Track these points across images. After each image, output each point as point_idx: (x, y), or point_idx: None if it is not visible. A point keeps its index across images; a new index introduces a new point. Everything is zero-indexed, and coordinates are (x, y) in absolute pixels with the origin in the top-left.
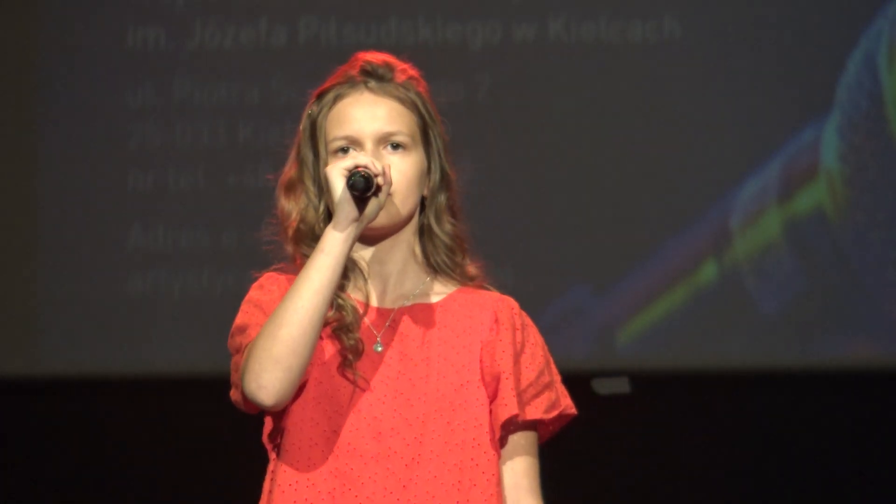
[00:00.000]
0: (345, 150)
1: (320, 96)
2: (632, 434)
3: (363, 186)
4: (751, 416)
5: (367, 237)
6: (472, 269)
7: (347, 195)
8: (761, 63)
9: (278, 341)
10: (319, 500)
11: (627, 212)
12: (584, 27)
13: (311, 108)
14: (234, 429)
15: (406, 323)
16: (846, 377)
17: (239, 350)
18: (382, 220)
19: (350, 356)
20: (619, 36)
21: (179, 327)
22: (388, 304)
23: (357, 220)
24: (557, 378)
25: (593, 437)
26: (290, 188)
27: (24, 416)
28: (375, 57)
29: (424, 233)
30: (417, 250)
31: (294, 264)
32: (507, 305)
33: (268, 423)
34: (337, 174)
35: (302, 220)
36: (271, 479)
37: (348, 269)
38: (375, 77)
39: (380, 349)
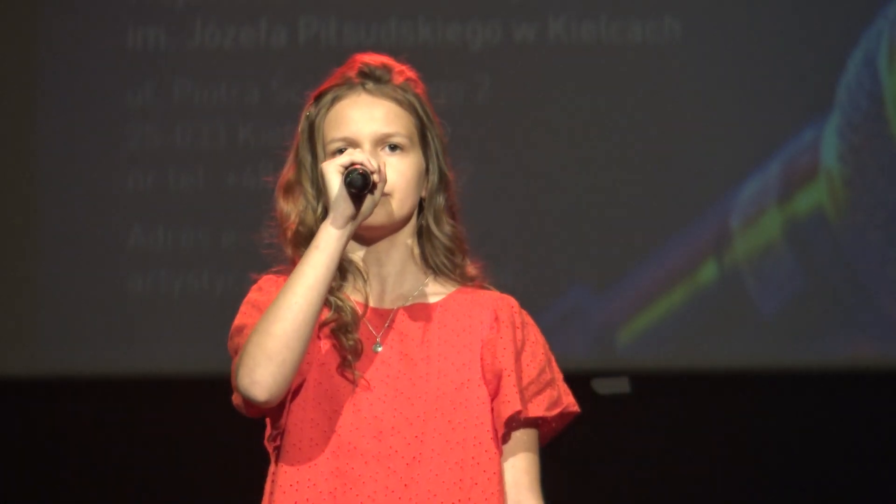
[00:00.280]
0: (342, 152)
1: (318, 98)
2: (632, 434)
3: (360, 183)
4: (751, 416)
5: (366, 238)
6: (471, 269)
7: (343, 192)
8: (761, 63)
9: (271, 336)
10: (321, 500)
11: (627, 212)
12: (584, 27)
13: (308, 110)
14: (235, 429)
15: (405, 323)
16: (846, 377)
17: (238, 352)
18: (380, 220)
19: (349, 357)
20: (620, 36)
21: (179, 327)
22: (387, 305)
23: (353, 216)
24: (559, 376)
25: (593, 437)
26: (289, 190)
27: (24, 416)
28: (373, 59)
29: (423, 234)
30: (416, 251)
31: (293, 266)
32: (507, 304)
33: (268, 425)
34: (333, 171)
35: (301, 221)
36: (272, 481)
37: (347, 270)
38: (373, 79)
39: (379, 349)
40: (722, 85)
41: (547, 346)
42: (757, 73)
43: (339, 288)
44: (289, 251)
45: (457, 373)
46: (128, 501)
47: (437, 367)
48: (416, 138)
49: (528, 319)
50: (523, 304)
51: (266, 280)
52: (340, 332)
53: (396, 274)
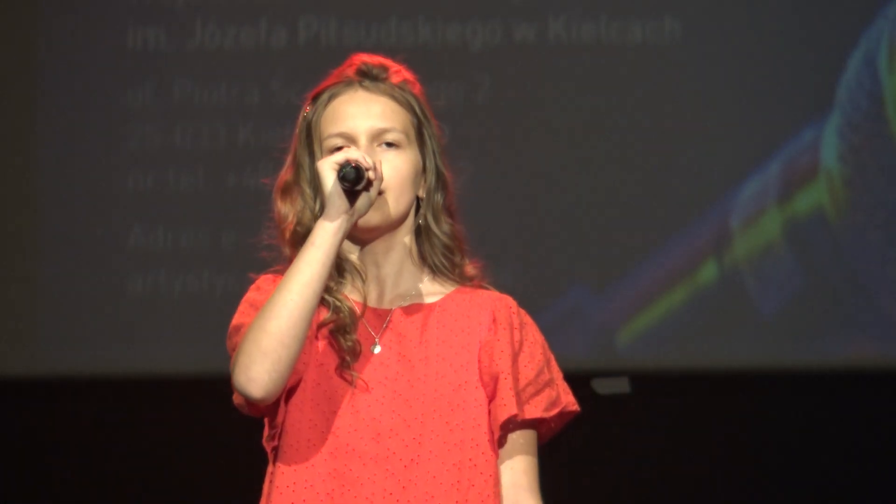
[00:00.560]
0: (340, 149)
1: (315, 98)
2: (632, 434)
3: (354, 177)
4: (751, 416)
5: (363, 238)
6: (470, 269)
7: (338, 188)
8: (761, 63)
9: (267, 333)
10: (318, 502)
11: (627, 212)
12: (585, 27)
13: (305, 111)
14: (235, 429)
15: (404, 323)
16: (846, 377)
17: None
18: (376, 218)
19: (348, 357)
20: (620, 36)
21: (179, 327)
22: (385, 305)
23: (347, 212)
24: (559, 375)
25: (593, 437)
26: (287, 191)
27: (24, 416)
28: (371, 58)
29: (422, 233)
30: (414, 251)
31: None
32: (505, 304)
33: (267, 425)
34: (328, 167)
35: (298, 222)
36: (270, 481)
37: (345, 271)
38: (370, 77)
39: (378, 350)
40: (722, 85)
41: (546, 346)
42: (757, 73)
43: (338, 288)
44: (287, 251)
45: (455, 374)
46: (128, 501)
47: (435, 369)
48: (412, 136)
49: (527, 319)
50: (523, 304)
51: (264, 279)
52: (339, 333)
53: (395, 274)
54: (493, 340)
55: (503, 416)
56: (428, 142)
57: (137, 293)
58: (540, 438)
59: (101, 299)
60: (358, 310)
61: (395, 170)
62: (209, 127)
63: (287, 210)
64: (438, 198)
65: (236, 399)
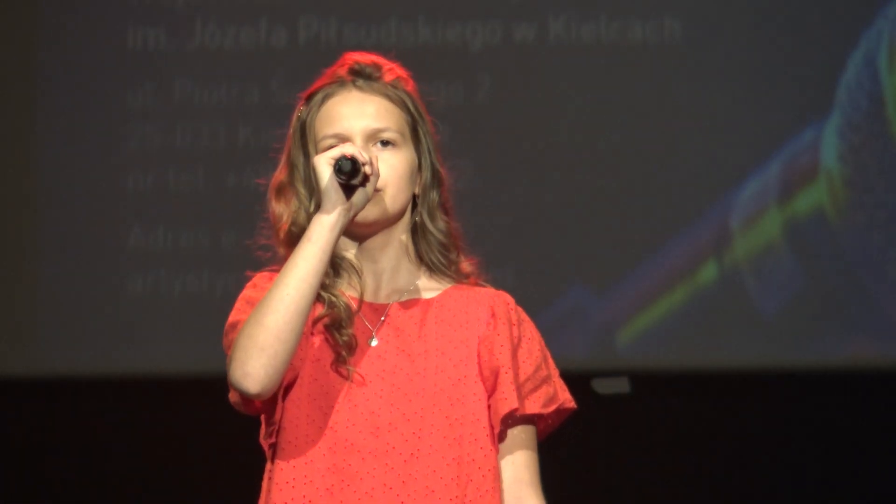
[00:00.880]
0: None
1: (309, 98)
2: (632, 434)
3: (350, 169)
4: (751, 416)
5: (359, 235)
6: (466, 266)
7: (334, 182)
8: (761, 63)
9: (263, 328)
10: (318, 497)
11: (628, 212)
12: (584, 27)
13: (299, 111)
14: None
15: (401, 318)
16: (846, 377)
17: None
18: (374, 215)
19: (343, 352)
20: (620, 36)
21: (179, 327)
22: (381, 300)
23: (344, 207)
24: (555, 372)
25: (593, 437)
26: (281, 191)
27: (24, 416)
28: (363, 57)
29: (418, 231)
30: (410, 248)
31: None
32: (503, 301)
33: (264, 422)
34: (324, 163)
35: (293, 222)
36: (269, 478)
37: (341, 267)
38: (363, 76)
39: (374, 343)
40: (722, 85)
41: (543, 343)
42: (757, 72)
43: (333, 284)
44: (282, 251)
45: (454, 369)
46: (128, 501)
47: (435, 363)
48: (407, 134)
49: (524, 316)
50: (523, 304)
51: (260, 277)
52: (334, 328)
53: (391, 269)
54: (493, 335)
55: (504, 409)
56: (423, 139)
57: (137, 293)
58: (537, 435)
59: (101, 299)
60: (354, 305)
61: (391, 168)
62: (209, 127)
63: (282, 210)
64: (434, 195)
65: (232, 397)
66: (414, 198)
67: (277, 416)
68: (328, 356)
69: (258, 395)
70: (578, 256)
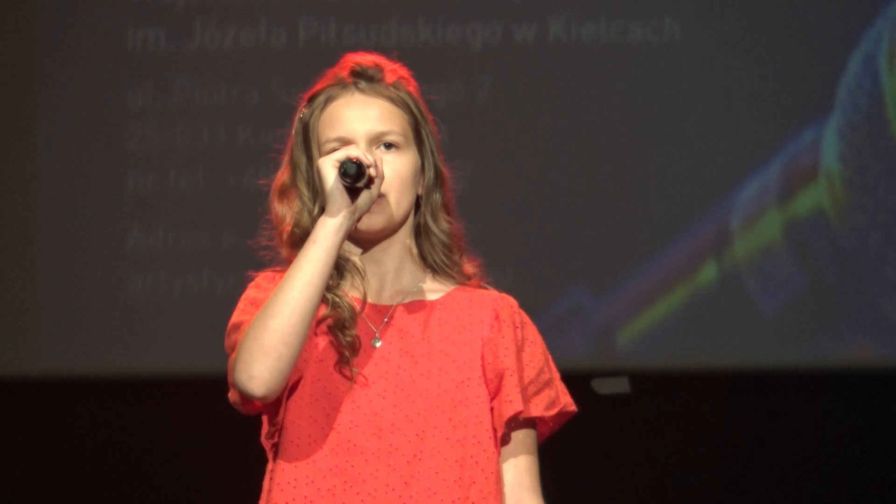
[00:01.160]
0: None
1: (311, 99)
2: (632, 434)
3: (355, 172)
4: (751, 416)
5: (364, 240)
6: (469, 267)
7: (339, 185)
8: (761, 64)
9: (268, 331)
10: (320, 498)
11: (628, 212)
12: (585, 28)
13: (302, 112)
14: (234, 429)
15: (405, 319)
16: (846, 377)
17: (234, 348)
18: (379, 221)
19: (346, 353)
20: (620, 37)
21: (179, 327)
22: (385, 301)
23: (349, 209)
24: (557, 375)
25: (593, 437)
26: (284, 193)
27: (24, 416)
28: (365, 58)
29: (421, 232)
30: (414, 250)
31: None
32: (507, 303)
33: (265, 422)
34: (329, 165)
35: (296, 224)
36: (270, 478)
37: (344, 269)
38: (365, 78)
39: (378, 344)
40: (721, 85)
41: (545, 346)
42: (757, 73)
43: (337, 285)
44: (285, 253)
45: (458, 371)
46: (128, 501)
47: (438, 365)
48: (410, 136)
49: (527, 319)
50: (523, 304)
51: (264, 277)
52: (337, 329)
53: (395, 271)
54: (497, 338)
55: (508, 412)
56: (426, 140)
57: (137, 293)
58: (538, 438)
59: (100, 299)
60: (357, 306)
61: (395, 172)
62: (209, 127)
63: (284, 211)
64: (437, 196)
65: (232, 396)
66: (417, 199)
67: (280, 416)
68: (331, 357)
69: (263, 398)
70: (578, 256)
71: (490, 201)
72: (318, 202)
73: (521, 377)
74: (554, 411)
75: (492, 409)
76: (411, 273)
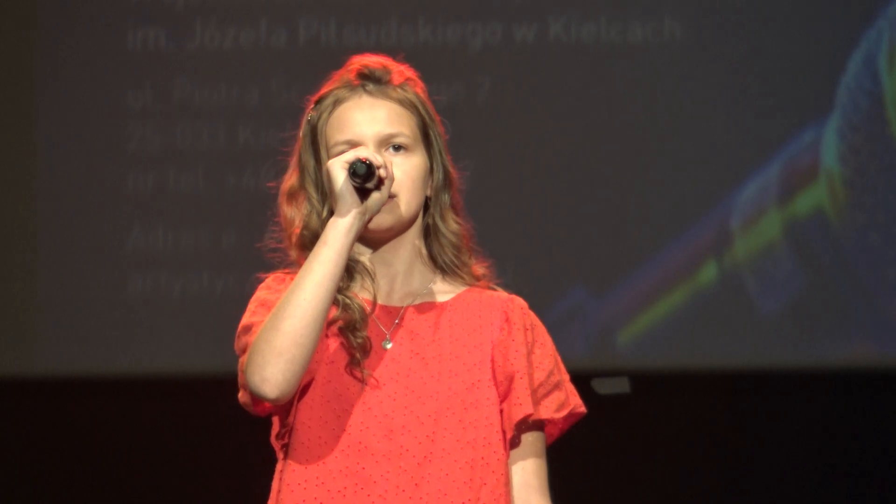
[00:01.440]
0: None
1: (319, 102)
2: (632, 434)
3: (364, 172)
4: (751, 416)
5: (373, 240)
6: (478, 268)
7: (349, 186)
8: (761, 64)
9: (281, 333)
10: (330, 499)
11: (628, 212)
12: (585, 28)
13: (310, 114)
14: (235, 429)
15: (415, 320)
16: (846, 377)
17: (245, 350)
18: (388, 222)
19: (357, 354)
20: (620, 37)
21: (179, 327)
22: (395, 302)
23: (359, 210)
24: (566, 377)
25: (593, 437)
26: (292, 195)
27: (24, 416)
28: (372, 60)
29: (430, 233)
30: (423, 251)
31: (300, 268)
32: (518, 305)
33: (275, 423)
34: (338, 167)
35: (305, 226)
36: (279, 479)
37: (354, 270)
38: (373, 80)
39: (389, 346)
40: (721, 86)
41: (554, 348)
42: (757, 73)
43: (347, 287)
44: (294, 255)
45: (468, 373)
46: (128, 501)
47: (449, 367)
48: (419, 137)
49: (537, 321)
50: None
51: (274, 278)
52: (348, 330)
53: (404, 272)
54: (508, 340)
55: (519, 415)
56: (434, 141)
57: (137, 293)
58: (546, 439)
59: (101, 299)
60: (368, 307)
61: (405, 174)
62: (209, 127)
63: (293, 214)
64: (446, 197)
65: (242, 397)
66: (426, 200)
67: (291, 418)
68: (342, 358)
69: (276, 400)
70: (578, 256)
71: (490, 201)
72: (327, 204)
73: (531, 380)
74: (563, 413)
75: (501, 411)
76: (421, 274)
